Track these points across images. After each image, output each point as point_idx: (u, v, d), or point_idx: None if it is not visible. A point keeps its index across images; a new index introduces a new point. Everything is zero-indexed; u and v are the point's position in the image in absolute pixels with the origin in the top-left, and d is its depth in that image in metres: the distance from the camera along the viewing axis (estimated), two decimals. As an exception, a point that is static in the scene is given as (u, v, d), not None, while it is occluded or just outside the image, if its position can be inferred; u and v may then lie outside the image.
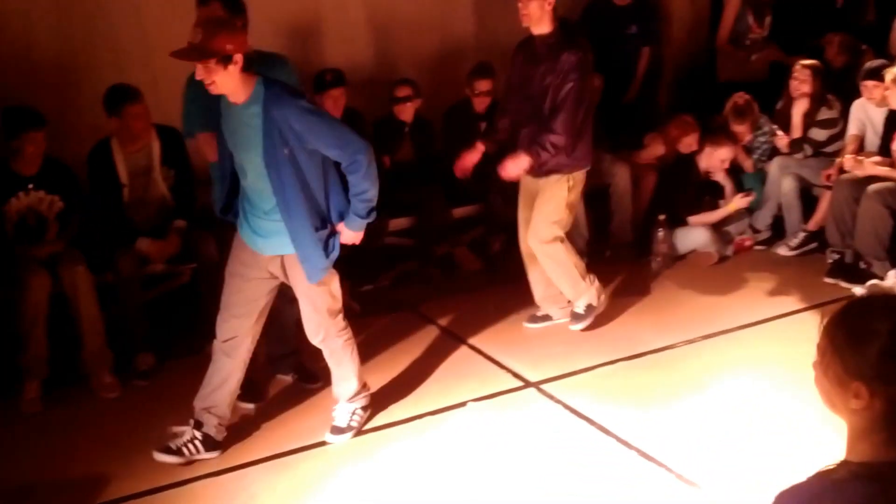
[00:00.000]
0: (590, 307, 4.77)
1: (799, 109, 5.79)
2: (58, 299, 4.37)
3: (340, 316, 3.79)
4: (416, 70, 5.93)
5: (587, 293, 4.75)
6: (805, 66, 5.80)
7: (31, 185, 4.49)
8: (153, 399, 4.31)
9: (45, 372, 4.32)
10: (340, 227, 3.62)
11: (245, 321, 3.67)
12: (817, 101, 5.81)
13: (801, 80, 5.79)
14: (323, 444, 3.85)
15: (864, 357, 1.53)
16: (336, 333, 3.78)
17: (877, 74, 5.42)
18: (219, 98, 3.45)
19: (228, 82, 3.29)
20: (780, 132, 5.88)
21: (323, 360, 3.92)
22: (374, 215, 3.65)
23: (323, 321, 3.71)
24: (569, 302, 4.83)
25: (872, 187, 5.20)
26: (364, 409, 3.94)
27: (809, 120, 5.82)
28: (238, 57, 3.26)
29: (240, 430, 3.95)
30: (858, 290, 4.93)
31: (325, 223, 3.58)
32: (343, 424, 3.86)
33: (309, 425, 4.00)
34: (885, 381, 1.52)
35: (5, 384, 4.34)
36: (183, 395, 4.07)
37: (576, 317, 4.78)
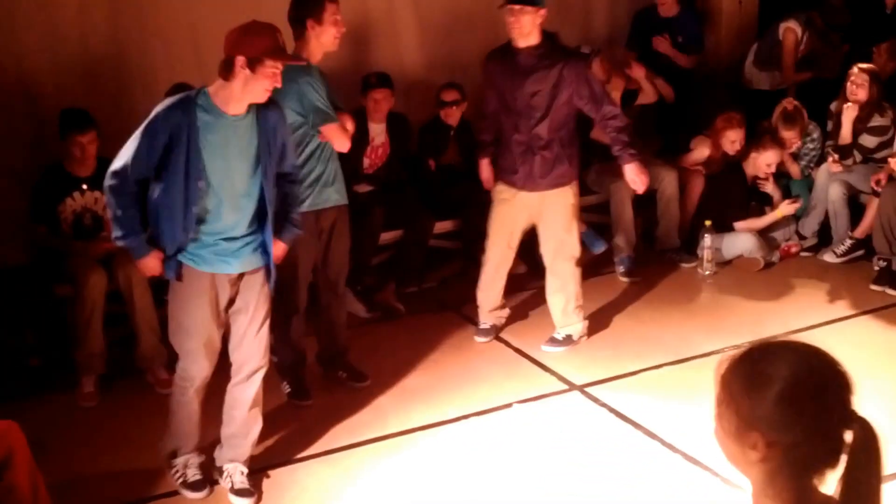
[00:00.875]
0: (570, 338, 4.74)
1: (849, 115, 5.74)
2: (114, 296, 4.47)
3: None
4: (462, 73, 5.97)
5: (580, 324, 4.75)
6: (863, 70, 5.74)
7: (85, 186, 4.60)
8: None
9: (102, 367, 4.41)
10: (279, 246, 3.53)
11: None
12: (872, 106, 5.75)
13: (859, 85, 5.72)
14: (371, 441, 3.90)
15: (759, 404, 1.42)
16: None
17: None
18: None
19: None
20: (833, 158, 5.81)
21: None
22: None
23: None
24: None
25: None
26: None
27: (861, 126, 5.77)
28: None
29: (291, 426, 4.02)
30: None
31: None
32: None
33: (357, 422, 4.06)
34: (781, 430, 1.40)
35: (64, 379, 4.45)
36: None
37: (553, 341, 4.74)
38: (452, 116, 5.77)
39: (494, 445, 3.85)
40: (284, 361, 4.22)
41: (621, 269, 5.69)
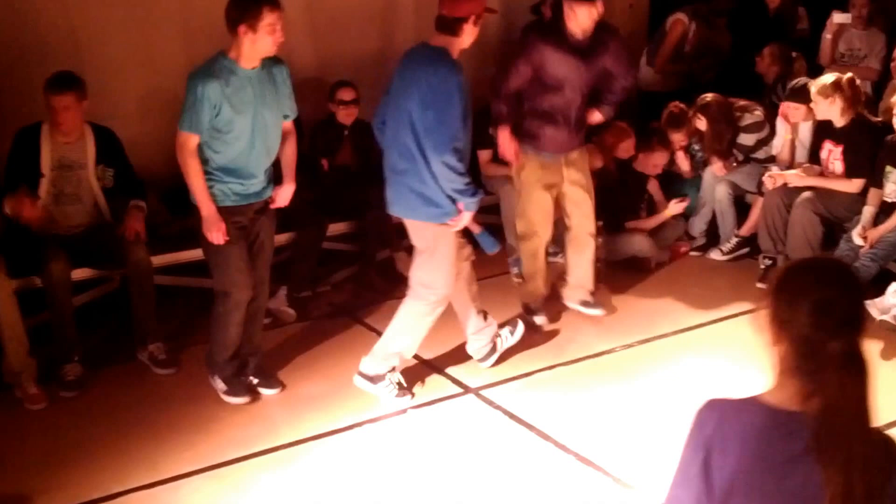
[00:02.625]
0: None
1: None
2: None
3: None
4: (354, 72, 5.88)
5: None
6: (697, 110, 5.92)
7: None
8: (81, 411, 4.18)
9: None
10: None
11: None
12: (740, 108, 5.93)
13: (699, 119, 5.92)
14: (260, 453, 3.78)
15: (783, 304, 1.73)
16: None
17: (799, 96, 5.55)
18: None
19: None
20: (716, 162, 5.97)
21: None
22: None
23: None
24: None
25: (803, 195, 5.32)
26: None
27: (735, 126, 5.93)
28: None
29: (173, 439, 3.87)
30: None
31: None
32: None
33: (245, 433, 3.93)
34: (789, 326, 1.71)
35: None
36: (112, 406, 3.99)
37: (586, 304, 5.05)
38: (348, 115, 5.68)
39: (389, 452, 3.80)
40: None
41: (515, 269, 5.69)
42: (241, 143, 3.91)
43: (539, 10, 6.49)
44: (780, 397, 1.72)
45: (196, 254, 5.01)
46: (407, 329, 4.16)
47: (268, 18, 3.75)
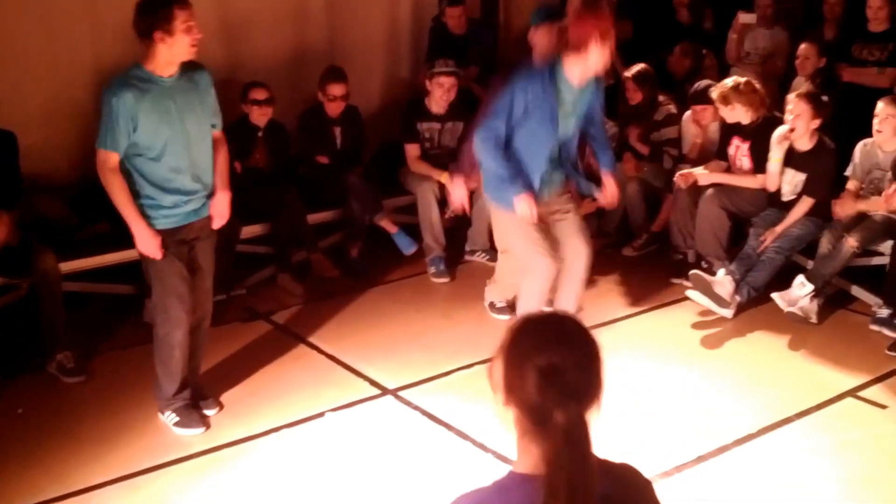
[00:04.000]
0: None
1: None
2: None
3: None
4: (266, 73, 5.82)
5: None
6: (629, 79, 6.08)
7: None
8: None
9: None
10: None
11: None
12: (648, 105, 6.08)
13: (633, 90, 6.06)
14: (174, 462, 3.71)
15: (510, 367, 1.61)
16: None
17: (703, 97, 5.70)
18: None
19: None
20: (629, 162, 6.08)
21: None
22: None
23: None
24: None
25: (709, 191, 5.47)
26: None
27: (651, 120, 6.07)
28: None
29: (83, 449, 3.77)
30: (691, 293, 5.14)
31: None
32: None
33: (158, 442, 3.85)
34: (515, 391, 1.60)
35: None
36: (20, 419, 3.86)
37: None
38: (262, 116, 5.61)
39: (307, 457, 3.76)
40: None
41: (432, 269, 5.72)
42: (169, 158, 3.73)
43: (439, 20, 6.56)
44: (527, 464, 1.63)
45: (105, 259, 4.94)
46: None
47: (181, 17, 3.59)
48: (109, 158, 3.66)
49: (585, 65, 4.08)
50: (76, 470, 3.63)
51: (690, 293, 5.08)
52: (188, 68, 3.76)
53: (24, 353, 4.50)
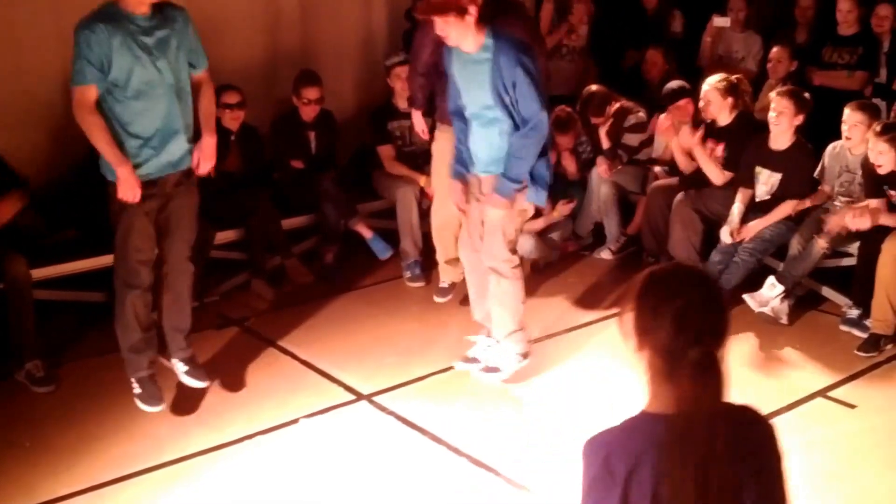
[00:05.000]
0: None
1: (602, 127, 6.10)
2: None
3: None
4: (239, 78, 5.79)
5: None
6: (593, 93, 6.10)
7: None
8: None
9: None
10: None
11: None
12: (623, 110, 6.10)
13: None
14: (144, 471, 3.67)
15: (646, 312, 1.77)
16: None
17: (680, 95, 5.72)
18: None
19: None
20: (602, 164, 6.10)
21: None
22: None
23: None
24: None
25: (681, 194, 5.50)
26: None
27: (619, 127, 6.09)
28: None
29: (48, 458, 3.73)
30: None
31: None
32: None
33: (126, 451, 3.80)
34: (651, 334, 1.76)
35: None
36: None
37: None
38: (234, 119, 5.58)
39: (281, 463, 3.74)
40: None
41: (408, 274, 5.71)
42: (145, 100, 3.63)
43: (411, 15, 6.55)
44: (657, 405, 1.76)
45: (76, 266, 4.89)
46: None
47: None
48: (84, 94, 3.57)
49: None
50: (44, 480, 3.58)
51: None
52: (166, 7, 3.69)
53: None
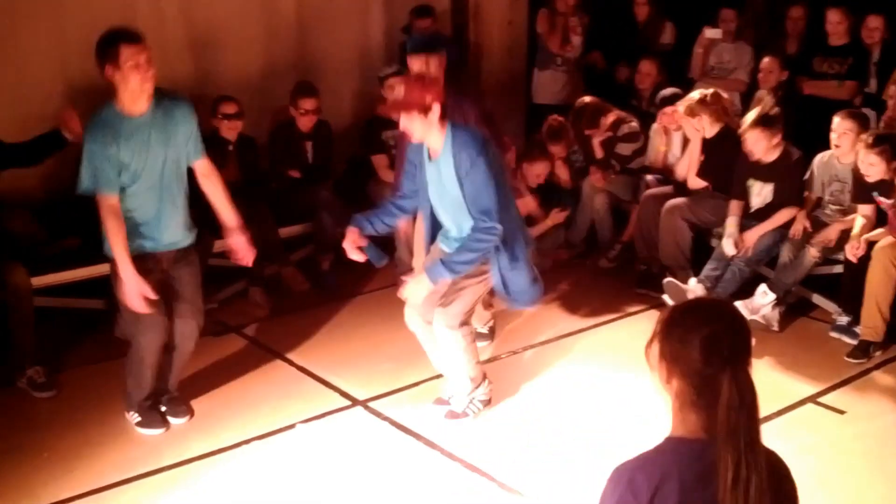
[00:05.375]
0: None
1: (597, 138, 6.18)
2: None
3: None
4: (236, 88, 5.86)
5: None
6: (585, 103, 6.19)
7: None
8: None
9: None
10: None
11: None
12: (615, 119, 6.17)
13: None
14: (147, 474, 3.73)
15: (673, 343, 1.85)
16: None
17: (672, 102, 5.81)
18: None
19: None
20: (595, 173, 6.17)
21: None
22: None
23: None
24: None
25: (670, 203, 5.57)
26: None
27: (612, 136, 6.17)
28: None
29: (53, 466, 3.78)
30: (666, 298, 5.24)
31: None
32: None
33: (126, 456, 3.86)
34: (680, 363, 1.83)
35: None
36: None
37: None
38: (232, 129, 5.65)
39: (278, 469, 3.79)
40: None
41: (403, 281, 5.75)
42: (140, 196, 3.78)
43: (409, 30, 6.64)
44: (684, 431, 1.84)
45: (76, 274, 4.94)
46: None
47: (126, 53, 3.62)
48: (102, 200, 3.73)
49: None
50: (45, 484, 3.64)
51: (666, 300, 5.18)
52: (165, 101, 3.79)
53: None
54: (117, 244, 3.71)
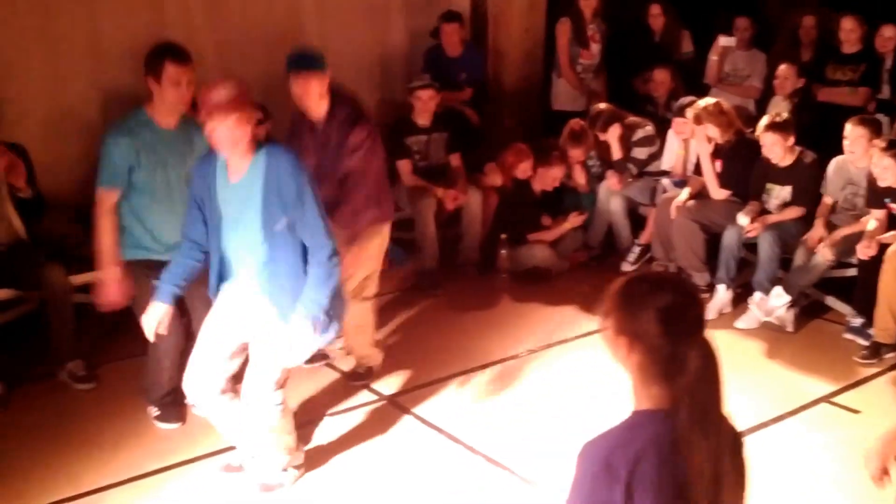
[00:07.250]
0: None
1: (614, 136, 6.28)
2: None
3: None
4: (261, 94, 5.98)
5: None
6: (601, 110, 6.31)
7: None
8: (2, 428, 4.18)
9: None
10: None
11: None
12: (631, 124, 6.31)
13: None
14: (183, 462, 3.86)
15: (629, 317, 1.82)
16: None
17: (683, 111, 5.96)
18: None
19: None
20: (612, 177, 6.30)
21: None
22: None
23: None
24: None
25: (678, 204, 5.70)
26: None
27: (628, 141, 6.30)
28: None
29: (94, 455, 3.91)
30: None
31: None
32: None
33: (168, 447, 3.98)
34: (640, 337, 1.80)
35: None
36: (33, 423, 4.00)
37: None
38: (258, 135, 5.75)
39: (307, 459, 3.86)
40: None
41: (424, 282, 5.89)
42: (154, 204, 3.92)
43: (438, 34, 6.77)
44: (650, 403, 1.81)
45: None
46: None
47: (170, 71, 3.78)
48: (103, 196, 3.87)
49: None
50: (87, 471, 3.77)
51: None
52: (190, 125, 3.88)
53: (35, 362, 4.65)
54: (105, 242, 3.83)
